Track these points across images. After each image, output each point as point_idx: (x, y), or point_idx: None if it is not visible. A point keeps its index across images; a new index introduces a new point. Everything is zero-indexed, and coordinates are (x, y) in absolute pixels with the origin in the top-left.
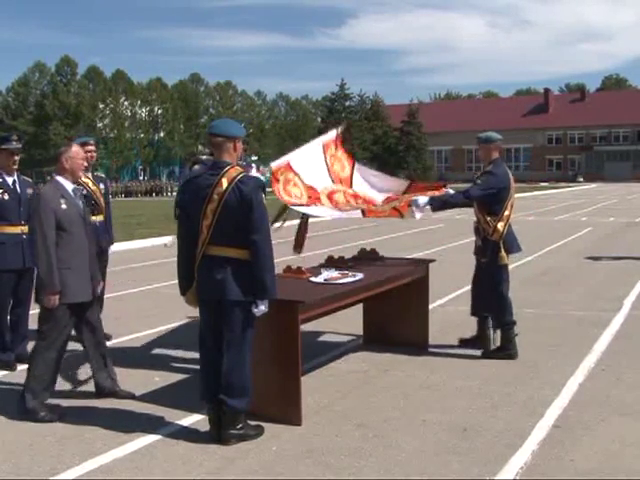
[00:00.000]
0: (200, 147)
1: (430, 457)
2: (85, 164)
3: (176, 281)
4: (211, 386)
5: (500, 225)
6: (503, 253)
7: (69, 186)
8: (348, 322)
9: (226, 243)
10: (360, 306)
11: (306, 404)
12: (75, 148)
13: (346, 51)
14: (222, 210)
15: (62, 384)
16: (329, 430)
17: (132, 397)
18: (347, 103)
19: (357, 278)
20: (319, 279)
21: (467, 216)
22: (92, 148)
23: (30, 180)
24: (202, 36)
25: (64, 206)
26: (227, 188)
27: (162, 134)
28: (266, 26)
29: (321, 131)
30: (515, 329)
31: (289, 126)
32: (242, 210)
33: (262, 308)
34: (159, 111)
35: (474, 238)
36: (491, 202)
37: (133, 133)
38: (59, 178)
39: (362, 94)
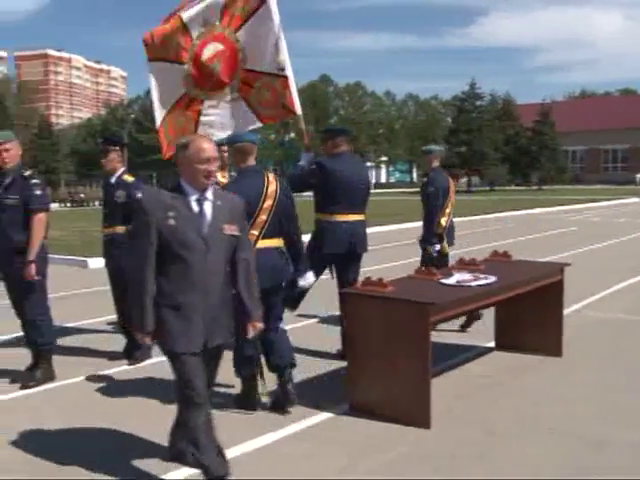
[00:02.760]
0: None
1: (557, 470)
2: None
3: None
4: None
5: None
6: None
7: (193, 194)
8: (479, 325)
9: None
10: (491, 309)
11: (434, 407)
12: (193, 147)
13: (476, 50)
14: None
15: None
16: (456, 434)
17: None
18: (477, 103)
19: (489, 281)
20: (450, 281)
21: (601, 219)
22: (226, 148)
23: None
24: (331, 38)
25: (173, 221)
26: (276, 187)
27: (292, 135)
28: (395, 26)
29: (452, 131)
30: None
31: (418, 126)
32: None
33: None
34: None
35: (609, 242)
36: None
37: (264, 134)
38: (183, 183)
39: (493, 93)
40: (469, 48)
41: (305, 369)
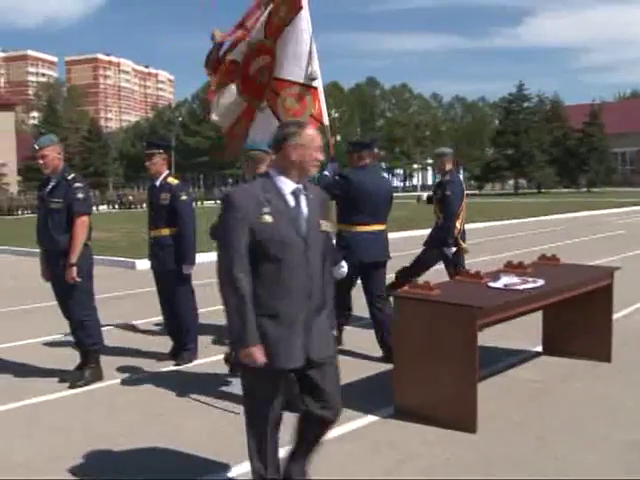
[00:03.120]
0: (376, 150)
1: (609, 477)
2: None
3: None
4: None
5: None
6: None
7: (288, 187)
8: (526, 330)
9: None
10: (539, 313)
11: (481, 411)
12: (305, 134)
13: (523, 51)
14: None
15: None
16: (503, 440)
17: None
18: (525, 104)
19: (537, 284)
20: (498, 284)
21: None
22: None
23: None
24: (378, 40)
25: (269, 218)
26: None
27: (339, 137)
28: (441, 28)
29: (499, 132)
30: None
31: (465, 128)
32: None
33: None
34: (336, 114)
35: None
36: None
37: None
38: (273, 173)
39: (541, 94)
40: (517, 49)
41: (350, 372)
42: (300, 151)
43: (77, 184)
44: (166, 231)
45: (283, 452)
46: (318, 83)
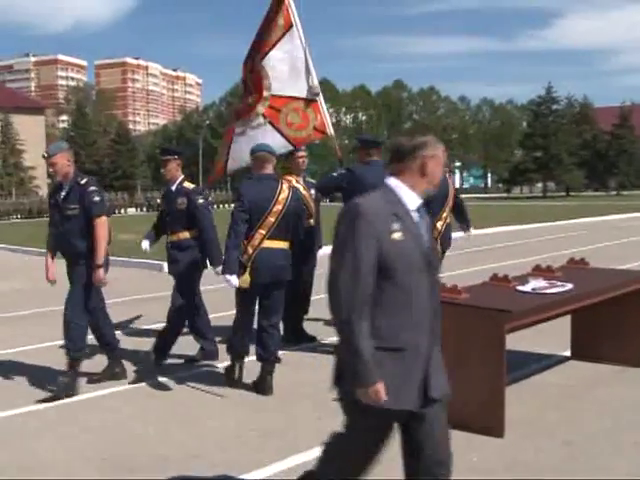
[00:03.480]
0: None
1: None
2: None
3: None
4: (247, 343)
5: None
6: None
7: (414, 202)
8: (554, 334)
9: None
10: (567, 317)
11: (509, 416)
12: (439, 146)
13: (552, 52)
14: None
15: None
16: (531, 445)
17: None
18: (554, 107)
19: (566, 288)
20: (526, 288)
21: None
22: (303, 154)
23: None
24: (405, 43)
25: (399, 236)
26: (287, 195)
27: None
28: (468, 30)
29: (528, 135)
30: None
31: (493, 131)
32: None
33: None
34: (363, 117)
35: None
36: None
37: (338, 139)
38: (397, 184)
39: (570, 97)
40: (545, 51)
41: None
42: (434, 162)
43: (91, 187)
44: (184, 234)
45: None
46: (319, 96)
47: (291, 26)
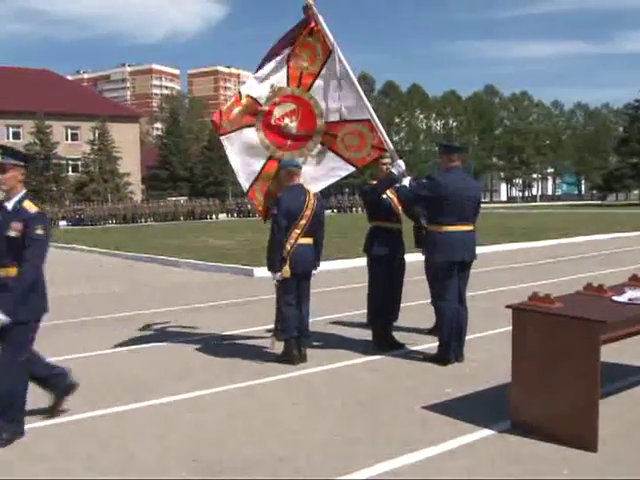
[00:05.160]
0: (494, 159)
1: None
2: None
3: None
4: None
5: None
6: None
7: None
8: None
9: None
10: None
11: (602, 430)
12: None
13: None
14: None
15: None
16: (627, 460)
17: None
18: None
19: None
20: (623, 298)
21: None
22: (388, 160)
23: None
24: (496, 47)
25: None
26: (314, 201)
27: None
28: (560, 33)
29: (624, 140)
30: None
31: (588, 137)
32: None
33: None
34: (454, 124)
35: None
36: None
37: (428, 146)
38: None
39: None
40: None
41: (464, 384)
42: None
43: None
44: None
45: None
46: (371, 114)
47: (330, 52)
